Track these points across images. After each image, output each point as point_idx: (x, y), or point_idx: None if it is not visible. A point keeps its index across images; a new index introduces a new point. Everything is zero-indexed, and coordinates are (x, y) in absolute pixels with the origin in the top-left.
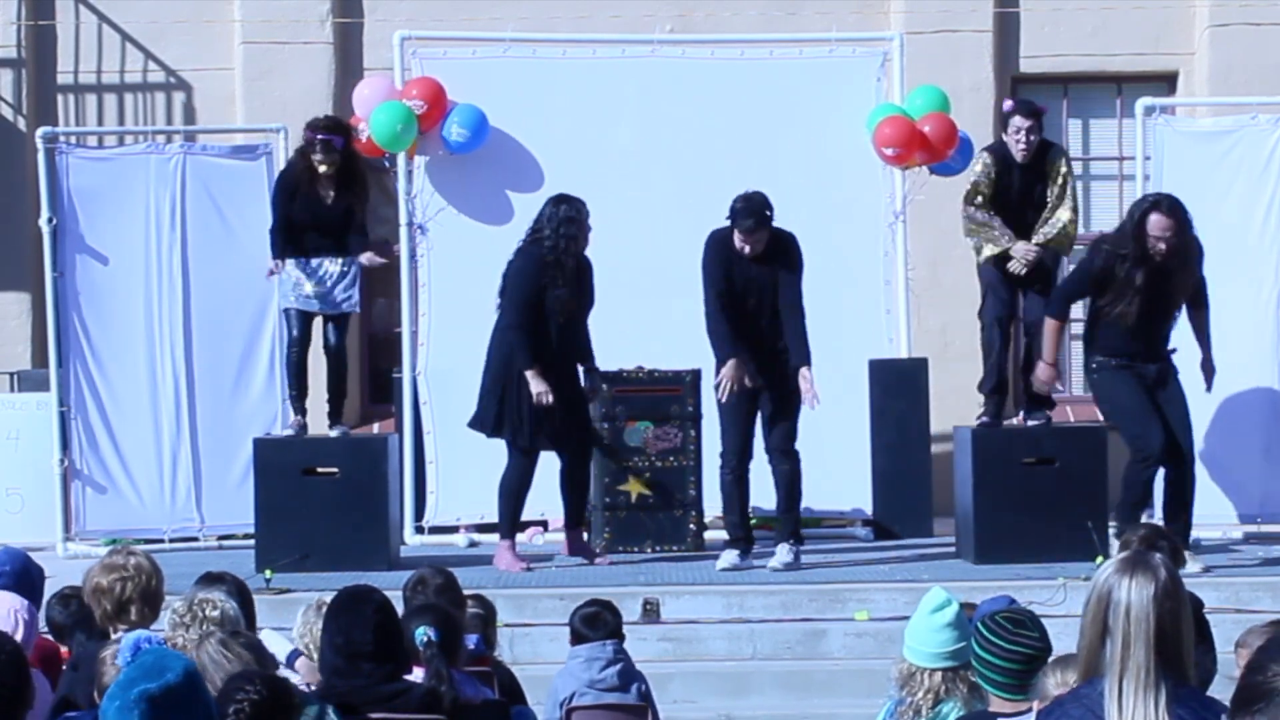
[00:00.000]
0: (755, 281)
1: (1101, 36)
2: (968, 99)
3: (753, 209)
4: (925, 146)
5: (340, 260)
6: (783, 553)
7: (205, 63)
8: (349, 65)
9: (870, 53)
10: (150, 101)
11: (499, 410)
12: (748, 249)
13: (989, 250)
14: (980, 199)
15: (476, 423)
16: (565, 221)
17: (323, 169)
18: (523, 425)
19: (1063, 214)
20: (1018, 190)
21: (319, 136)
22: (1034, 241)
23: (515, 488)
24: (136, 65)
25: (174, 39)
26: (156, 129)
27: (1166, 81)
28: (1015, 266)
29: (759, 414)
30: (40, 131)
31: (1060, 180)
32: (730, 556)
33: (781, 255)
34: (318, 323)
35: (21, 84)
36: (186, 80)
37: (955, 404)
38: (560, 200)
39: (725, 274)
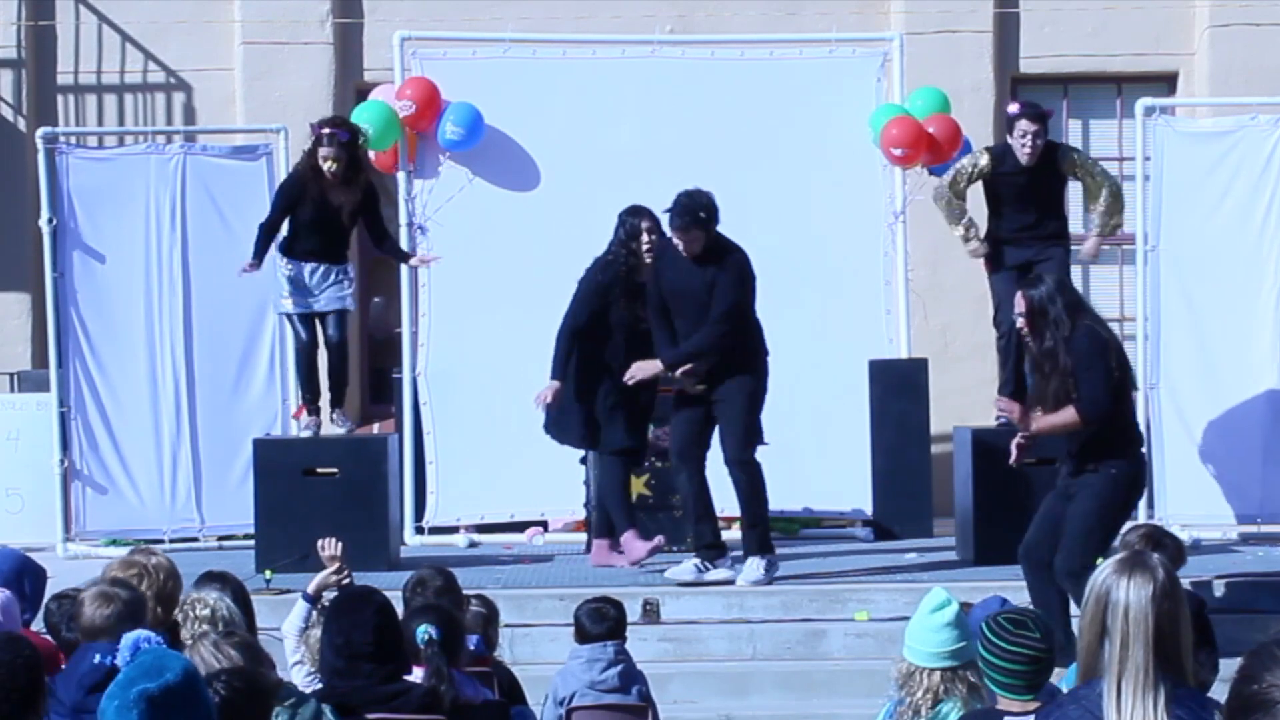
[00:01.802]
0: (691, 286)
1: (1101, 36)
2: (968, 99)
3: (686, 207)
4: (932, 147)
5: (335, 268)
6: (751, 569)
7: (205, 63)
8: (349, 65)
9: (870, 53)
10: (150, 101)
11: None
12: (682, 247)
13: (958, 231)
14: (959, 186)
15: (571, 439)
16: (627, 237)
17: (328, 165)
18: (600, 427)
19: (1103, 197)
20: (1023, 190)
21: (325, 130)
22: (1094, 234)
23: (609, 489)
24: (136, 65)
25: (174, 39)
26: (156, 129)
27: (1166, 82)
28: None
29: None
30: (40, 131)
31: (1086, 173)
32: (686, 568)
33: (719, 266)
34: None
35: (21, 84)
36: (186, 80)
37: (955, 404)
38: (625, 213)
39: (654, 280)
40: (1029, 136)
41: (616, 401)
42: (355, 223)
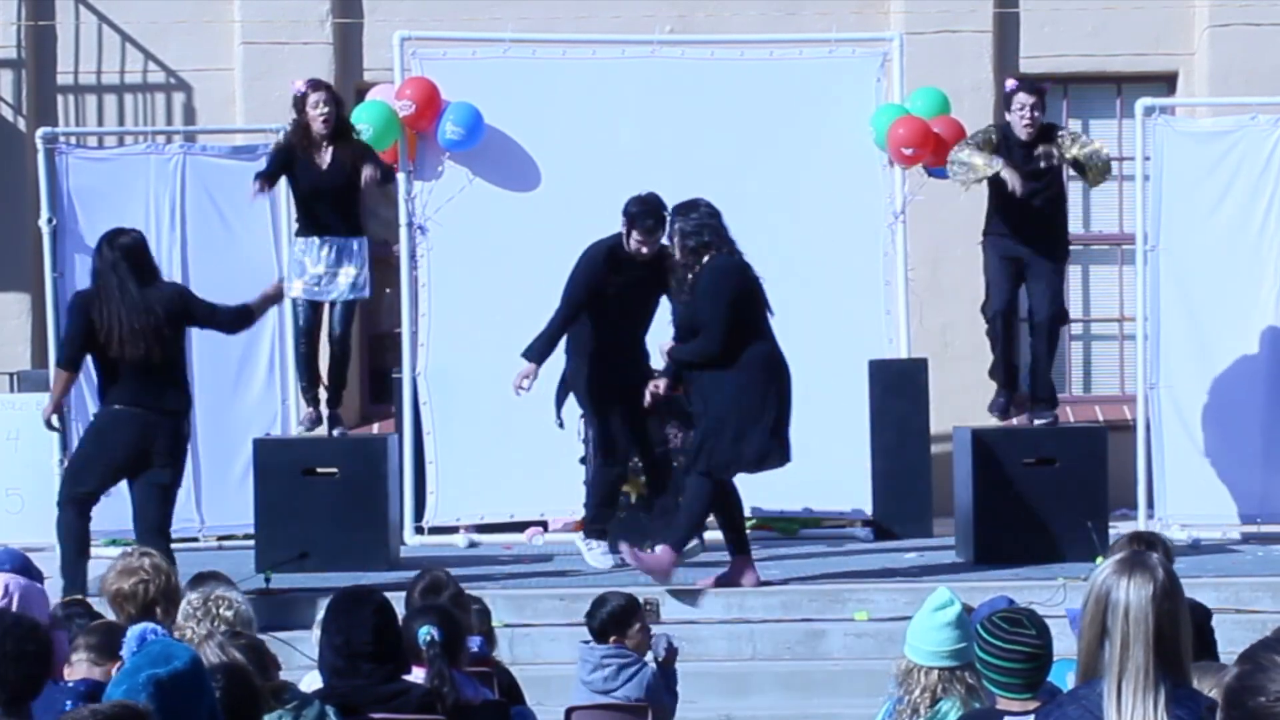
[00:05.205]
0: (639, 286)
1: (1101, 36)
2: (968, 99)
3: (655, 209)
4: (938, 148)
5: (346, 244)
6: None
7: (205, 63)
8: (349, 65)
9: (870, 53)
10: (150, 101)
11: None
12: (645, 250)
13: (974, 177)
14: (973, 144)
15: None
16: None
17: (320, 111)
18: None
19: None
20: (1020, 167)
21: (309, 85)
22: (1069, 155)
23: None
24: (136, 65)
25: (174, 39)
26: (156, 129)
27: (1166, 82)
28: (1013, 183)
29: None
30: (40, 131)
31: (1075, 143)
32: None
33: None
34: (325, 315)
35: (21, 84)
36: (186, 80)
37: (955, 404)
38: None
39: (601, 285)
40: (1027, 109)
41: None
42: (355, 187)
